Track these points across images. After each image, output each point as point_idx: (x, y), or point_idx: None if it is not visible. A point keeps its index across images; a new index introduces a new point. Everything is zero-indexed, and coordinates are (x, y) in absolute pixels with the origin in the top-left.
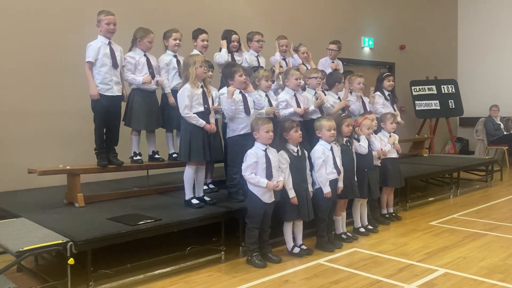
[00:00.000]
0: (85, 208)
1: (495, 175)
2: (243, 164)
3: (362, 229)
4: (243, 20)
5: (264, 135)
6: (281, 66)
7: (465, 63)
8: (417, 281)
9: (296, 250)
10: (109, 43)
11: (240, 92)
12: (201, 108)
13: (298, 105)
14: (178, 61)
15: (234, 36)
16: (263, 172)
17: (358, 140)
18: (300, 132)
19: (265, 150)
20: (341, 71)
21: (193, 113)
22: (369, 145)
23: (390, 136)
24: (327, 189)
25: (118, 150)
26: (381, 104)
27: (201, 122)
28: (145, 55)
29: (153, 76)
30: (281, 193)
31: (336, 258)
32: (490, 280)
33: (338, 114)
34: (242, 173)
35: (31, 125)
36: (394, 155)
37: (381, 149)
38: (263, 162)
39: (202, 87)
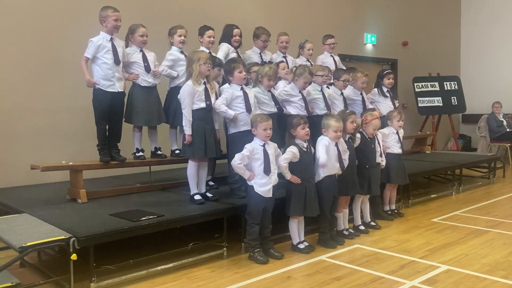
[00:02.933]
0: (87, 204)
1: (498, 172)
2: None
3: (362, 227)
4: (244, 16)
5: (261, 133)
6: (282, 61)
7: (468, 60)
8: (419, 277)
9: (301, 245)
10: (111, 39)
11: (242, 89)
12: (203, 105)
13: (304, 101)
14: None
15: (236, 30)
16: (261, 167)
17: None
18: (308, 129)
19: (263, 145)
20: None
21: (195, 109)
22: (372, 143)
23: (396, 133)
24: (322, 160)
25: (121, 147)
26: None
27: (187, 130)
28: (141, 50)
29: (148, 70)
30: (287, 189)
31: (338, 255)
32: (492, 277)
33: (342, 110)
34: (231, 162)
35: (34, 122)
36: (398, 151)
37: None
38: (260, 157)
39: (205, 83)
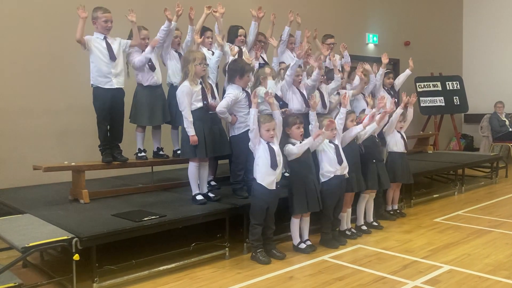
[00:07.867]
0: (90, 205)
1: (500, 172)
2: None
3: (364, 227)
4: (243, 17)
5: (265, 134)
6: (283, 62)
7: (470, 59)
8: (422, 277)
9: (302, 245)
10: (105, 38)
11: (243, 90)
12: (200, 104)
13: (304, 99)
14: (180, 55)
15: (240, 31)
16: (267, 162)
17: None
18: (302, 130)
19: (268, 143)
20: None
21: (193, 109)
22: (375, 136)
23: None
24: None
25: (123, 147)
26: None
27: (190, 131)
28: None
29: (153, 69)
30: (289, 188)
31: (340, 255)
32: (494, 277)
33: None
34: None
35: (36, 122)
36: (403, 150)
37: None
38: (267, 155)
39: (201, 83)
